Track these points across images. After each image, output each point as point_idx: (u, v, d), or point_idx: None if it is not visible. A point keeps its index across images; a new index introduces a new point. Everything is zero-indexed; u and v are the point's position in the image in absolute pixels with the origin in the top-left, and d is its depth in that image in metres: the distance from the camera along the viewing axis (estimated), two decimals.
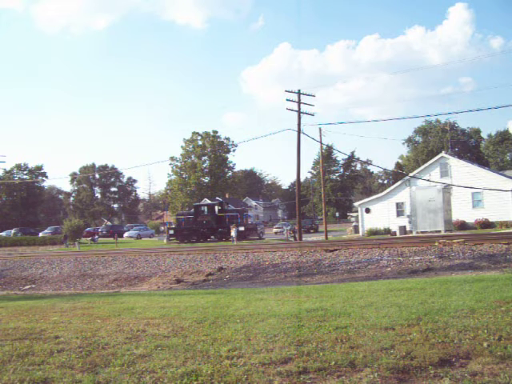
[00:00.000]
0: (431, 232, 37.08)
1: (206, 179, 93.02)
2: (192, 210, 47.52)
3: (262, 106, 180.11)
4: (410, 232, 38.83)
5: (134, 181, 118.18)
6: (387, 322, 6.41)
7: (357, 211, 49.60)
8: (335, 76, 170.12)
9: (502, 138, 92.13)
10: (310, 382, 4.45)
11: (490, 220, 36.84)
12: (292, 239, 40.15)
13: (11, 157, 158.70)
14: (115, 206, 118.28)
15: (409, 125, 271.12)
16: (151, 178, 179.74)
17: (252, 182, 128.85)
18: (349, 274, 16.36)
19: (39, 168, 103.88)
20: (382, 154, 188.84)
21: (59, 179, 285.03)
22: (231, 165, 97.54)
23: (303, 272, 17.59)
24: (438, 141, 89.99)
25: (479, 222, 37.08)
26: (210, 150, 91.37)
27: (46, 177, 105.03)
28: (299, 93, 36.27)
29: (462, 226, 37.56)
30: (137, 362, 5.22)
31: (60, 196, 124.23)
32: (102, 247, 41.12)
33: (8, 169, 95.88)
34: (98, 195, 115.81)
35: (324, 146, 51.61)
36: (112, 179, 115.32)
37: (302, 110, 36.03)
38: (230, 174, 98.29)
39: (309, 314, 7.44)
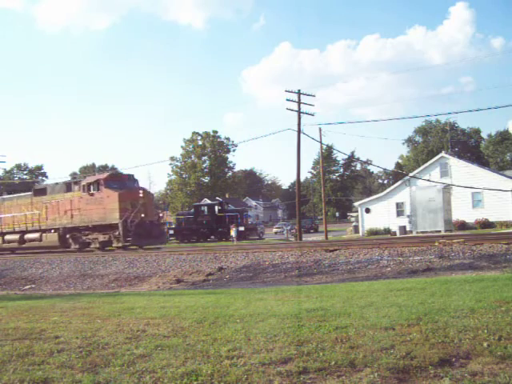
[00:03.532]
0: (431, 232, 37.06)
1: (206, 179, 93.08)
2: (192, 210, 47.58)
3: (262, 105, 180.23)
4: (410, 232, 38.82)
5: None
6: (387, 321, 6.41)
7: (357, 211, 49.61)
8: (335, 76, 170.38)
9: (502, 138, 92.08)
10: (309, 382, 4.44)
11: (490, 220, 36.85)
12: (293, 239, 40.16)
13: (11, 157, 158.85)
14: None
15: (409, 125, 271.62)
16: (151, 177, 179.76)
17: (252, 182, 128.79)
18: (349, 273, 16.34)
19: (39, 168, 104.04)
20: (382, 154, 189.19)
21: (59, 179, 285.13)
22: (231, 165, 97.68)
23: (303, 272, 17.56)
24: (438, 141, 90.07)
25: (479, 222, 37.08)
26: (210, 150, 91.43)
27: (46, 177, 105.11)
28: (299, 93, 36.27)
29: (462, 226, 37.56)
30: (137, 362, 5.22)
31: None
32: None
33: (8, 169, 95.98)
34: None
35: (324, 146, 51.62)
36: None
37: (302, 110, 36.05)
38: (230, 174, 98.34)
39: (309, 313, 7.43)
